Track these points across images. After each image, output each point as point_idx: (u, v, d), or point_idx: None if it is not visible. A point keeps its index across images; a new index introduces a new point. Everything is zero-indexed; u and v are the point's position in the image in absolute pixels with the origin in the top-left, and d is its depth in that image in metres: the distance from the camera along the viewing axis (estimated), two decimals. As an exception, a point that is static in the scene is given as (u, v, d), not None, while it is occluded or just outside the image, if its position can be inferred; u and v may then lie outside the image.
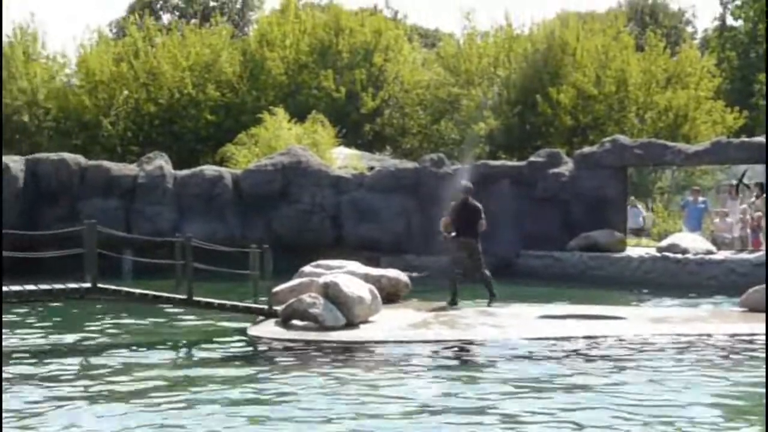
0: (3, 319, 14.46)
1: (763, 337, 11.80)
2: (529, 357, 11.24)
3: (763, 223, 21.73)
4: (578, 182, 22.45)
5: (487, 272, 15.71)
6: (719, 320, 13.79)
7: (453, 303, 15.30)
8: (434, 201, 22.69)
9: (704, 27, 58.65)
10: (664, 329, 12.85)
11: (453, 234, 15.64)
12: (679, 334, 12.49)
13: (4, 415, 8.37)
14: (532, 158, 23.72)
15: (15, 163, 23.08)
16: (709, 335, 12.42)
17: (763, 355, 10.89)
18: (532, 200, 22.82)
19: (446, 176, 23.22)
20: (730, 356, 11.28)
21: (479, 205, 15.68)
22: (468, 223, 15.53)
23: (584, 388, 9.47)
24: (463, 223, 15.58)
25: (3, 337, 13.12)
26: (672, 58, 34.97)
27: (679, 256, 20.34)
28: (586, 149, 23.74)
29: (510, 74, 32.79)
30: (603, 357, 11.23)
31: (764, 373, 9.67)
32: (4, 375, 10.20)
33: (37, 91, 33.84)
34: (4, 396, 9.19)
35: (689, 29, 54.50)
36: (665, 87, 32.90)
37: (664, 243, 21.37)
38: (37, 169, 23.27)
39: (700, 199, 24.27)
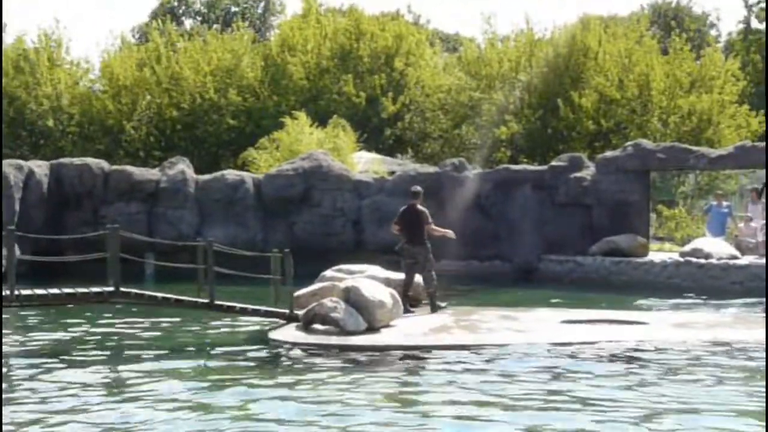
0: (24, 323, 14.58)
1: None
2: (552, 363, 11.20)
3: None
4: (600, 187, 22.36)
5: (434, 286, 14.88)
6: (743, 326, 13.69)
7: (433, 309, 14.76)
8: (455, 205, 22.72)
9: (728, 30, 58.26)
10: (686, 335, 12.78)
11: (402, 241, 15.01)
12: (701, 340, 12.41)
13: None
14: (553, 162, 23.65)
15: (39, 168, 23.23)
16: (731, 341, 12.33)
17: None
18: (553, 205, 22.76)
19: (467, 180, 23.22)
20: (753, 361, 11.20)
21: (425, 209, 15.04)
22: (414, 230, 14.91)
23: (606, 397, 9.43)
24: (408, 230, 14.96)
25: (29, 337, 13.23)
26: (696, 62, 34.75)
27: (703, 261, 20.22)
28: (609, 153, 23.62)
29: (531, 78, 32.70)
30: (626, 360, 11.18)
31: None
32: (33, 382, 10.28)
33: (61, 97, 34.13)
34: (30, 399, 9.26)
35: (713, 32, 54.18)
36: (689, 91, 32.70)
37: (687, 248, 21.25)
38: (61, 174, 23.42)
39: (724, 203, 24.08)
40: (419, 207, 15.06)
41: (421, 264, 14.89)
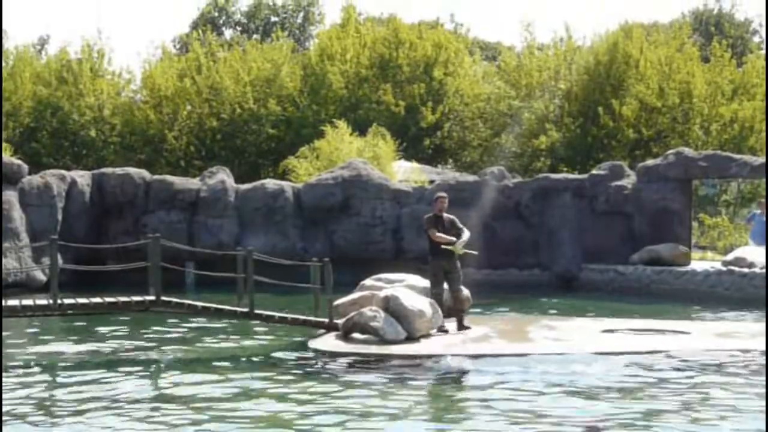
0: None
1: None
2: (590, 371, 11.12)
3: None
4: (641, 195, 22.21)
5: (442, 303, 13.85)
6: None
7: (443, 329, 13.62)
8: (495, 214, 22.66)
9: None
10: (729, 344, 12.62)
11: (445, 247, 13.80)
12: (745, 350, 12.26)
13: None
14: (594, 171, 23.52)
15: (82, 177, 23.48)
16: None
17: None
18: (594, 213, 22.64)
19: (506, 189, 23.15)
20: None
21: (429, 215, 14.18)
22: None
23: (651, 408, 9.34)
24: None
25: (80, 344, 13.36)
26: (738, 69, 34.39)
27: (746, 270, 19.94)
28: (650, 162, 23.45)
29: (571, 86, 32.56)
30: (668, 371, 11.06)
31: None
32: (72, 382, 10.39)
33: (103, 107, 34.52)
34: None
35: (756, 39, 53.60)
36: (731, 98, 32.37)
37: (730, 257, 20.98)
38: (103, 184, 23.66)
39: (768, 211, 23.76)
40: (449, 215, 14.22)
41: (450, 274, 14.14)
